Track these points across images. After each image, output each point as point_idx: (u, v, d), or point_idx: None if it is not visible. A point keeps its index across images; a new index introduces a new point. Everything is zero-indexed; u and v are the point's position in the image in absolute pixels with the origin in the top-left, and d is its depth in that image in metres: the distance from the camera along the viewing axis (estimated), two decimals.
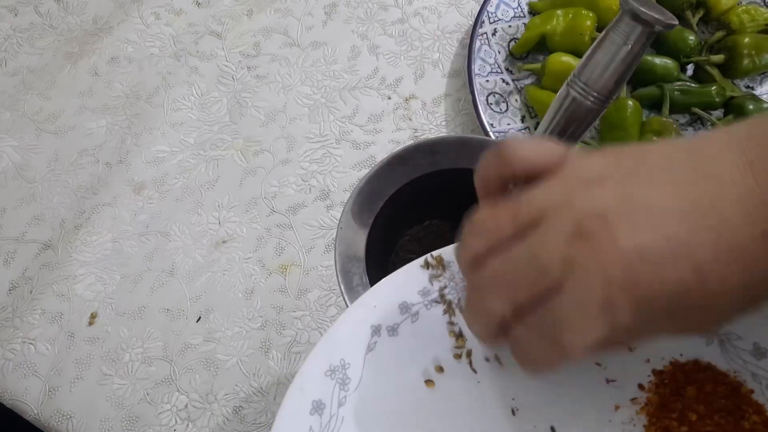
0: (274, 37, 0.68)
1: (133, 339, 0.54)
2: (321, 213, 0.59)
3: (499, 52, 0.65)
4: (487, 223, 0.28)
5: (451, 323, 0.35)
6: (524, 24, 0.66)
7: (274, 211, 0.59)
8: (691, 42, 0.63)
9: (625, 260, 0.24)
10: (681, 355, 0.34)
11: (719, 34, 0.64)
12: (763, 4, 0.67)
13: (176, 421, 0.51)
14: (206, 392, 0.52)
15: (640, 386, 0.35)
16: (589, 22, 0.62)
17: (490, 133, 0.59)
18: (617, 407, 0.35)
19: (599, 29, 0.63)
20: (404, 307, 0.35)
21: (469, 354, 0.35)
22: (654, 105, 0.62)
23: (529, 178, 0.28)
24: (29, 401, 0.52)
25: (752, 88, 0.65)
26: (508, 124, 0.61)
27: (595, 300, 0.24)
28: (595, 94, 0.37)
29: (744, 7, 0.64)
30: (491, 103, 0.62)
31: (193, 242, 0.58)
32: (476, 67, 0.62)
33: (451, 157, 0.46)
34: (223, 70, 0.66)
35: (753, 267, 0.24)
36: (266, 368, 0.53)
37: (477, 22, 0.64)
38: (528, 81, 0.64)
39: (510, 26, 0.66)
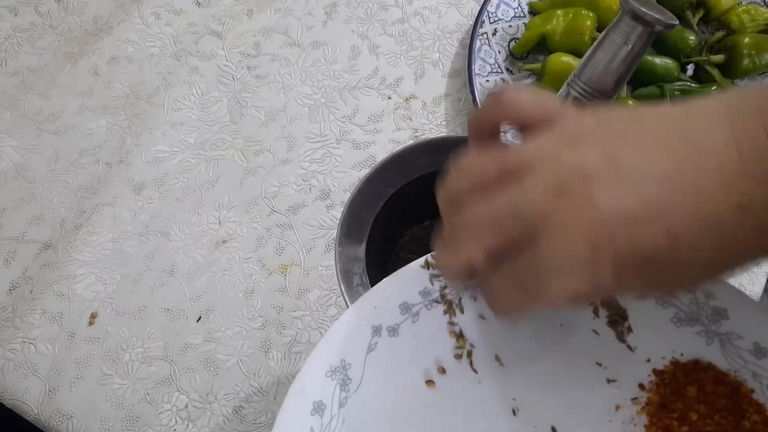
0: (274, 37, 0.68)
1: (133, 339, 0.54)
2: (321, 213, 0.59)
3: (500, 52, 0.65)
4: (473, 165, 0.28)
5: (451, 323, 0.35)
6: (524, 24, 0.66)
7: (275, 211, 0.59)
8: (692, 42, 0.63)
9: (600, 220, 0.24)
10: (681, 354, 0.34)
11: (719, 34, 0.64)
12: (763, 4, 0.67)
13: (176, 421, 0.51)
14: (206, 392, 0.52)
15: (641, 386, 0.35)
16: (589, 22, 0.62)
17: None
18: (618, 407, 0.35)
19: (599, 29, 0.63)
20: (405, 308, 0.35)
21: (469, 354, 0.35)
22: None
23: (523, 127, 0.29)
24: (29, 401, 0.52)
25: None
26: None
27: (567, 256, 0.25)
28: (596, 94, 0.37)
29: (744, 7, 0.64)
30: None
31: (193, 242, 0.58)
32: (476, 67, 0.62)
33: (451, 157, 0.46)
34: (224, 70, 0.66)
35: (726, 237, 0.25)
36: (266, 368, 0.53)
37: (477, 22, 0.64)
38: (528, 81, 0.64)
39: (510, 26, 0.66)
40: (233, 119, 0.63)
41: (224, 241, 0.58)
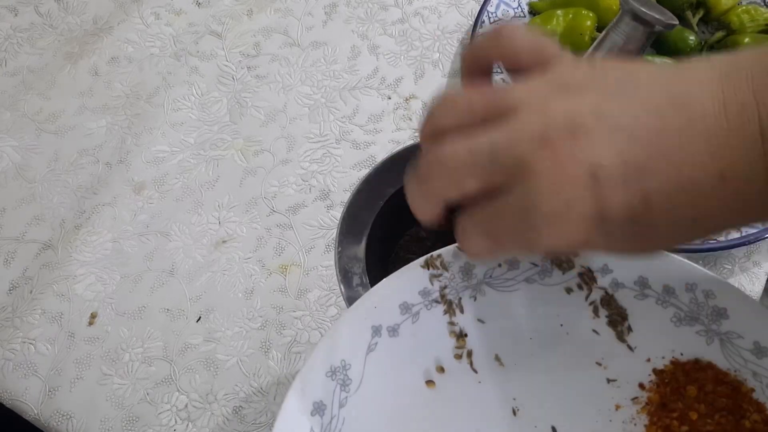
0: (274, 37, 0.68)
1: (133, 339, 0.54)
2: (321, 213, 0.59)
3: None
4: (459, 100, 0.28)
5: (451, 323, 0.35)
6: (524, 24, 0.66)
7: (274, 211, 0.59)
8: (691, 42, 0.63)
9: (578, 176, 0.24)
10: (681, 354, 0.34)
11: (719, 34, 0.64)
12: (763, 4, 0.67)
13: (176, 421, 0.51)
14: (206, 392, 0.52)
15: (641, 385, 0.35)
16: (589, 22, 0.62)
17: None
18: (618, 407, 0.35)
19: (599, 29, 0.63)
20: (405, 308, 0.35)
21: (469, 354, 0.35)
22: None
23: (518, 70, 0.28)
24: (29, 401, 0.52)
25: None
26: None
27: (540, 209, 0.25)
28: None
29: (744, 7, 0.64)
30: None
31: (193, 242, 0.58)
32: None
33: None
34: (223, 70, 0.66)
35: (703, 204, 0.24)
36: (266, 368, 0.53)
37: (477, 22, 0.64)
38: None
39: None
40: (233, 119, 0.63)
41: (224, 241, 0.58)
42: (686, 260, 0.34)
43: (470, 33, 0.64)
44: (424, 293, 0.35)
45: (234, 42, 0.68)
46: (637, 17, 0.35)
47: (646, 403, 0.35)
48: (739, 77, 0.24)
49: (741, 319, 0.33)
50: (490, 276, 0.35)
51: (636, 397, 0.35)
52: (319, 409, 0.32)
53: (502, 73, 0.60)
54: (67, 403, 0.52)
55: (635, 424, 0.34)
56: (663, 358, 0.35)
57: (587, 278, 0.35)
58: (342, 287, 0.42)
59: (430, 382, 0.35)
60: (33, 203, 0.60)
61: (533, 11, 0.67)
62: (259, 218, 0.59)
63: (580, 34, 0.61)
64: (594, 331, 0.35)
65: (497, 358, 0.36)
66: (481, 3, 0.65)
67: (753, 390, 0.33)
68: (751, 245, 0.55)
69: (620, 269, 0.34)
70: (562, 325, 0.36)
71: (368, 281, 0.42)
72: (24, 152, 0.62)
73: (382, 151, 0.62)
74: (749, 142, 0.24)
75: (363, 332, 0.34)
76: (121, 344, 0.54)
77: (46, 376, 0.53)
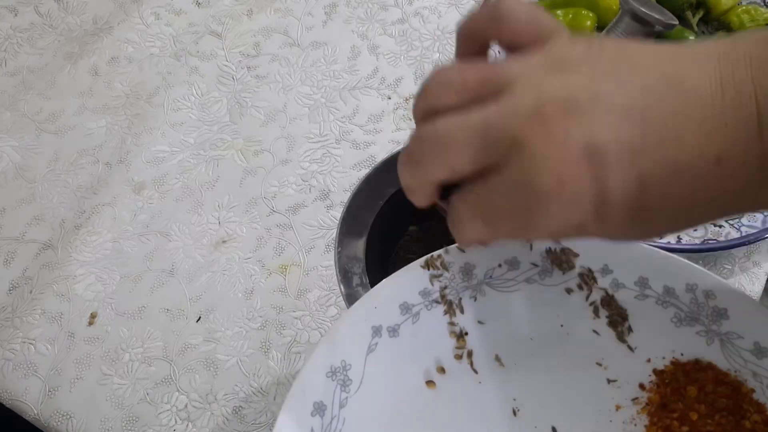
0: (274, 37, 0.68)
1: (133, 339, 0.54)
2: (321, 213, 0.59)
3: (500, 52, 0.65)
4: (453, 76, 0.27)
5: (452, 324, 0.35)
6: None
7: (274, 211, 0.59)
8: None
9: (570, 152, 0.24)
10: (682, 354, 0.34)
11: (719, 34, 0.64)
12: (763, 4, 0.67)
13: (176, 421, 0.51)
14: (206, 392, 0.52)
15: (641, 386, 0.35)
16: (589, 22, 0.62)
17: None
18: (618, 407, 0.35)
19: (599, 29, 0.63)
20: (405, 308, 0.35)
21: (470, 354, 0.35)
22: None
23: (514, 46, 0.27)
24: (29, 401, 0.52)
25: None
26: None
27: (532, 185, 0.24)
28: None
29: (744, 7, 0.64)
30: None
31: (193, 242, 0.58)
32: None
33: None
34: (223, 70, 0.66)
35: (698, 187, 0.24)
36: (266, 368, 0.53)
37: None
38: None
39: None
40: (233, 119, 0.63)
41: (224, 241, 0.58)
42: (686, 261, 0.34)
43: None
44: (425, 293, 0.35)
45: (234, 42, 0.68)
46: (637, 17, 0.35)
47: (647, 404, 0.35)
48: (737, 59, 0.24)
49: (741, 319, 0.33)
50: (491, 276, 0.35)
51: (636, 398, 0.35)
52: (319, 409, 0.32)
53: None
54: (67, 403, 0.52)
55: (635, 425, 0.34)
56: (663, 358, 0.35)
57: (587, 278, 0.35)
58: (342, 287, 0.42)
59: (430, 383, 0.35)
60: (33, 203, 0.60)
61: None
62: (259, 218, 0.59)
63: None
64: (594, 331, 0.35)
65: (497, 359, 0.36)
66: (481, 3, 0.65)
67: (753, 390, 0.33)
68: (751, 245, 0.55)
69: (620, 270, 0.34)
70: (562, 325, 0.36)
71: (368, 281, 0.42)
72: (24, 152, 0.62)
73: (382, 151, 0.62)
74: (745, 123, 0.23)
75: (363, 332, 0.34)
76: (121, 344, 0.54)
77: (46, 376, 0.53)
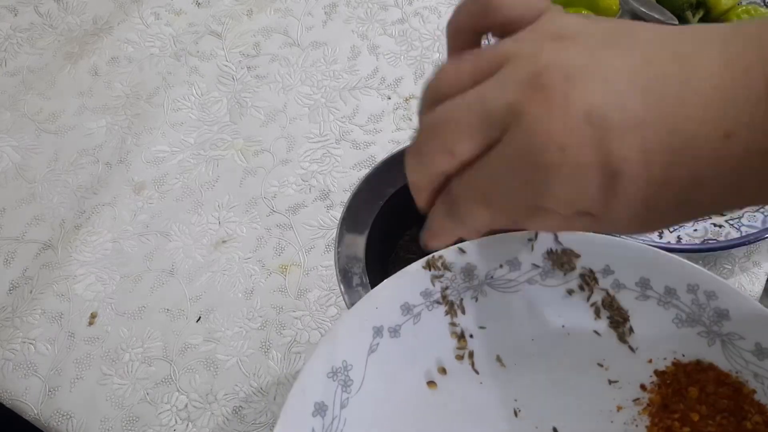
0: (274, 37, 0.68)
1: (133, 339, 0.54)
2: (321, 213, 0.59)
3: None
4: (448, 68, 0.26)
5: (453, 324, 0.35)
6: None
7: (274, 211, 0.59)
8: None
9: (571, 119, 0.22)
10: (683, 355, 0.34)
11: None
12: (763, 4, 0.67)
13: (176, 421, 0.51)
14: (206, 392, 0.52)
15: (642, 387, 0.35)
16: None
17: None
18: (619, 408, 0.35)
19: None
20: (406, 308, 0.35)
21: (471, 355, 0.35)
22: None
23: (507, 32, 0.26)
24: (29, 401, 0.52)
25: None
26: None
27: (534, 155, 0.23)
28: None
29: (744, 7, 0.65)
30: None
31: (193, 242, 0.58)
32: None
33: None
34: (223, 70, 0.66)
35: (703, 165, 0.23)
36: (266, 368, 0.53)
37: None
38: None
39: None
40: (233, 119, 0.63)
41: (224, 241, 0.58)
42: (687, 261, 0.34)
43: None
44: (426, 294, 0.35)
45: (234, 42, 0.67)
46: (637, 17, 0.35)
47: (648, 404, 0.35)
48: (744, 39, 0.23)
49: (742, 320, 0.33)
50: (492, 277, 0.35)
51: (637, 398, 0.35)
52: (320, 409, 0.32)
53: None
54: (67, 403, 0.52)
55: (636, 425, 0.34)
56: (664, 359, 0.35)
57: (588, 279, 0.35)
58: (342, 287, 0.42)
59: (431, 383, 0.35)
60: (33, 203, 0.60)
61: None
62: (259, 218, 0.59)
63: None
64: (595, 332, 0.35)
65: (499, 359, 0.35)
66: None
67: (754, 391, 0.33)
68: (751, 245, 0.55)
69: (622, 270, 0.34)
70: (563, 326, 0.36)
71: (368, 281, 0.42)
72: (24, 152, 0.62)
73: (382, 151, 0.62)
74: (754, 99, 0.22)
75: (364, 333, 0.34)
76: (121, 344, 0.54)
77: (46, 376, 0.53)
